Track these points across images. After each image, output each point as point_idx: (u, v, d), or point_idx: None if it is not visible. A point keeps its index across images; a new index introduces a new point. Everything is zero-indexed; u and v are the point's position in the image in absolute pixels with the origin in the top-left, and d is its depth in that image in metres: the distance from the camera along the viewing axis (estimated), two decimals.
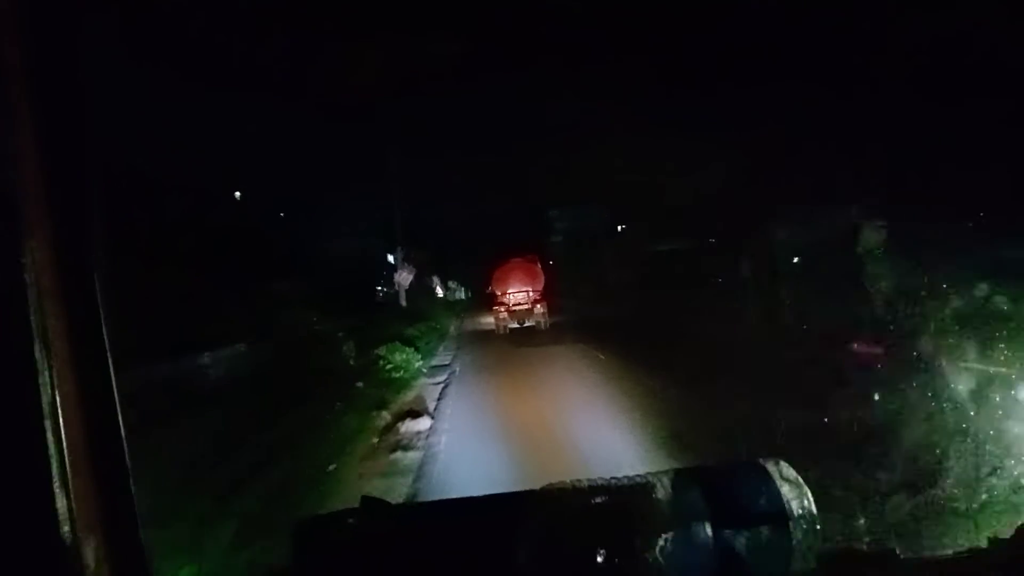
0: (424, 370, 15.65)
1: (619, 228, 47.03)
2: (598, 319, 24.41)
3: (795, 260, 16.73)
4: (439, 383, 13.81)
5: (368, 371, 13.61)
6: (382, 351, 15.34)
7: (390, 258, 36.78)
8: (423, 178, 42.00)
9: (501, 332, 21.24)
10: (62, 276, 0.76)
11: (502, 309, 21.61)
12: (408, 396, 12.27)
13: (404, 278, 30.17)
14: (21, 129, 0.72)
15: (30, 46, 0.73)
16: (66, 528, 0.73)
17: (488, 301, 24.31)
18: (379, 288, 34.01)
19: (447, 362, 17.41)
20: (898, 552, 1.11)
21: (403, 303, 29.38)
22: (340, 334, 15.84)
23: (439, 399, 11.95)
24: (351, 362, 13.89)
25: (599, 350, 16.26)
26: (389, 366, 14.45)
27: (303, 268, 19.84)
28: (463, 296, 55.01)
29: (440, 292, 42.04)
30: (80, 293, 0.79)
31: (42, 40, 0.74)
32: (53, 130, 0.76)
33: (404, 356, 15.29)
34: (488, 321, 24.55)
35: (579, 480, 1.21)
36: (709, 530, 1.04)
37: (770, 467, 1.15)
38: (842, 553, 1.15)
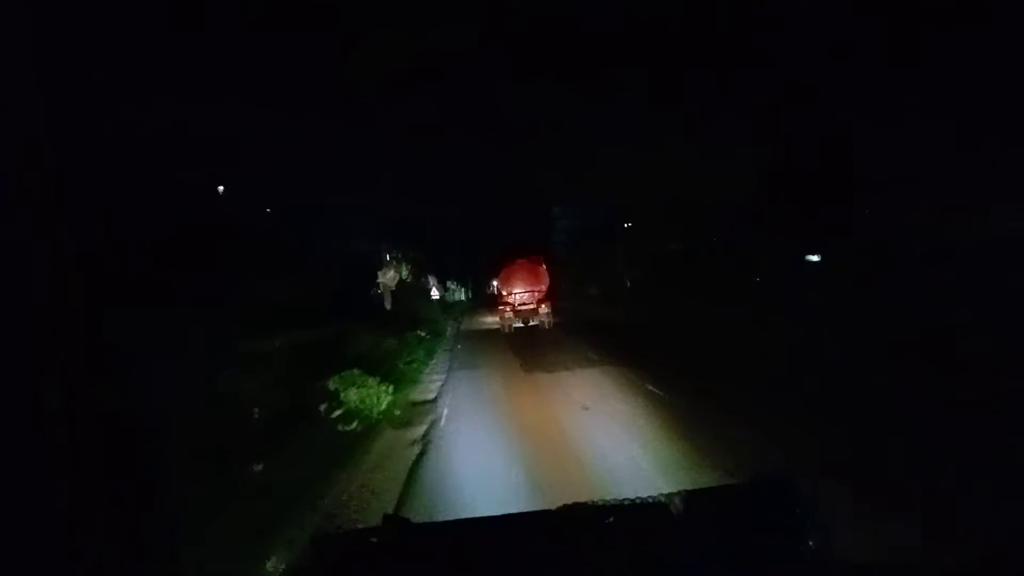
0: (396, 411, 10.46)
1: (626, 225, 42.35)
2: (634, 329, 19.42)
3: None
4: (414, 442, 8.59)
5: (300, 424, 8.42)
6: (334, 383, 10.21)
7: (388, 258, 32.17)
8: (422, 174, 37.40)
9: (506, 331, 20.73)
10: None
11: (507, 308, 21.31)
12: (351, 482, 6.98)
13: (390, 279, 25.62)
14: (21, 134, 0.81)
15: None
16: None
17: (490, 304, 24.58)
18: (376, 290, 29.54)
19: (432, 395, 12.19)
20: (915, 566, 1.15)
21: (387, 306, 24.45)
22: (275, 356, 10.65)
23: (407, 484, 6.77)
24: (265, 408, 8.54)
25: (649, 378, 11.12)
26: (338, 411, 9.30)
27: (290, 268, 16.99)
28: (463, 297, 49.38)
29: (436, 293, 37.00)
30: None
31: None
32: (50, 133, 0.88)
33: (365, 392, 10.10)
34: (489, 326, 23.25)
35: (599, 500, 1.30)
36: (725, 550, 1.04)
37: (785, 485, 1.24)
38: (857, 570, 1.15)
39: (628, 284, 32.74)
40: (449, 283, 44.44)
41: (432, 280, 35.51)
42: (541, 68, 22.45)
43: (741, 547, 1.05)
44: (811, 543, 1.07)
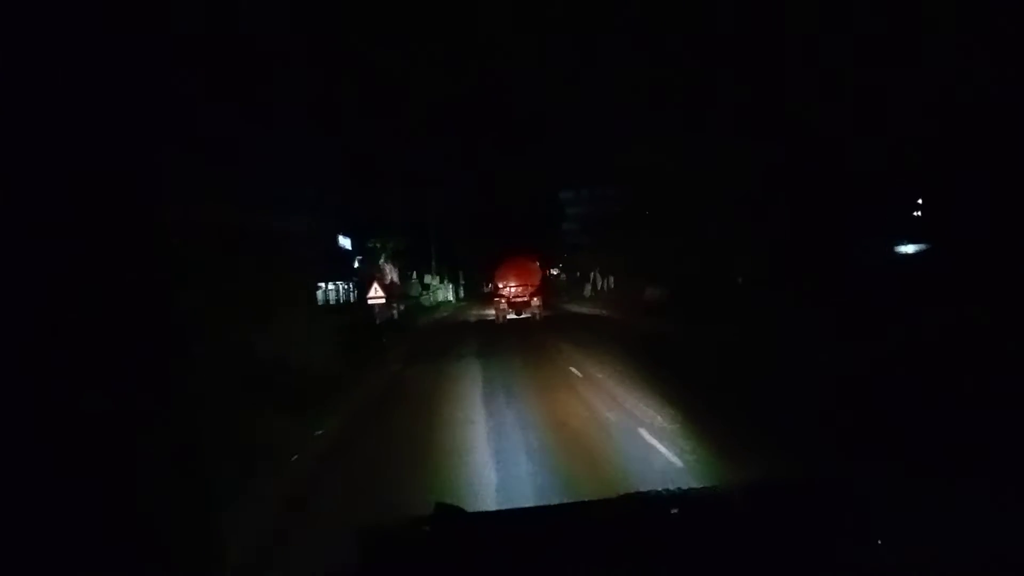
0: None
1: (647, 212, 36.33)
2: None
3: None
4: None
5: None
6: None
7: (344, 242, 25.78)
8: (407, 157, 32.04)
9: (500, 321, 22.86)
10: None
11: (503, 300, 23.68)
12: None
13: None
14: None
15: None
16: None
17: (488, 303, 26.49)
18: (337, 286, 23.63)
19: None
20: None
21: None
22: None
23: None
24: None
25: None
26: None
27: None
28: (450, 297, 40.37)
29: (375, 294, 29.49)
30: None
31: None
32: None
33: None
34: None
35: (654, 490, 1.36)
36: (786, 549, 1.07)
37: (844, 485, 1.35)
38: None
39: (740, 281, 21.52)
40: (428, 277, 35.88)
41: (389, 269, 28.28)
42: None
43: (802, 546, 1.06)
44: (870, 546, 1.07)
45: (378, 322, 16.84)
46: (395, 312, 20.02)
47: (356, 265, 36.32)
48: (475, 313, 27.91)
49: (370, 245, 33.48)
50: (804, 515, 1.15)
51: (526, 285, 23.58)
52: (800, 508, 1.18)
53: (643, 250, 28.16)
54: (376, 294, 15.88)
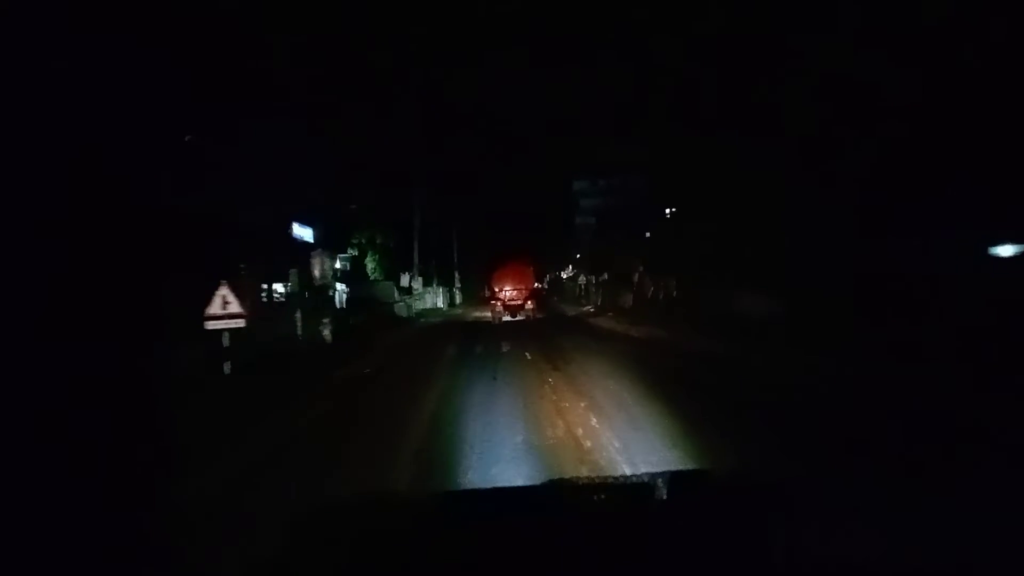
0: None
1: (667, 212, 32.71)
2: None
3: None
4: None
5: None
6: None
7: (302, 233, 20.91)
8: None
9: (496, 322, 23.44)
10: None
11: (498, 303, 24.89)
12: None
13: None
14: None
15: None
16: None
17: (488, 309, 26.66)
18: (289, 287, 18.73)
19: None
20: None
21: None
22: None
23: None
24: None
25: None
26: None
27: None
28: (440, 303, 33.67)
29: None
30: None
31: None
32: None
33: None
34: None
35: (587, 477, 1.52)
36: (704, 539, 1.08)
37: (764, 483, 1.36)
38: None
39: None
40: (414, 283, 30.50)
41: (320, 261, 20.56)
42: None
43: (717, 537, 1.06)
44: (784, 544, 1.07)
45: (226, 369, 8.93)
46: (327, 333, 15.02)
47: (337, 264, 32.92)
48: (465, 332, 18.61)
49: (355, 240, 30.02)
50: (720, 508, 1.15)
51: (521, 288, 25.16)
52: (717, 501, 1.19)
53: (726, 248, 20.07)
54: (223, 311, 8.88)
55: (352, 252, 29.27)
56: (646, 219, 35.70)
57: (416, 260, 30.37)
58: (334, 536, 1.09)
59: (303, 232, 22.01)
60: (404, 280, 29.11)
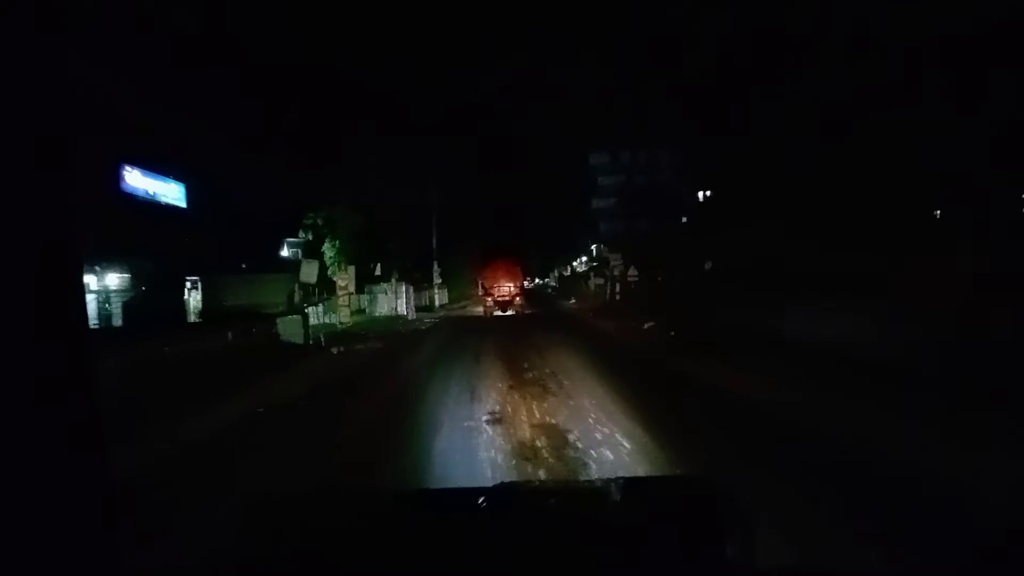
0: None
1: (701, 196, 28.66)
2: None
3: None
4: None
5: None
6: None
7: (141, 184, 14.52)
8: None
9: (488, 317, 24.78)
10: None
11: (490, 299, 26.41)
12: None
13: None
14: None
15: None
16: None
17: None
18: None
19: None
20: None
21: None
22: None
23: None
24: None
25: None
26: None
27: None
28: (402, 310, 24.56)
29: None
30: None
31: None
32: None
33: None
34: None
35: (540, 480, 1.71)
36: (651, 540, 1.08)
37: (710, 482, 1.39)
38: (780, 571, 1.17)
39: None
40: (386, 286, 24.39)
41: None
42: None
43: (666, 539, 1.07)
44: (731, 546, 1.05)
45: None
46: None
47: (285, 252, 26.43)
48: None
49: (308, 220, 23.34)
50: (672, 511, 1.14)
51: (511, 284, 26.76)
52: (669, 504, 1.18)
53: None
54: None
55: (305, 236, 23.01)
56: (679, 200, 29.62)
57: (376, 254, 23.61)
58: (280, 529, 1.07)
59: (161, 188, 14.97)
60: (331, 271, 21.57)
